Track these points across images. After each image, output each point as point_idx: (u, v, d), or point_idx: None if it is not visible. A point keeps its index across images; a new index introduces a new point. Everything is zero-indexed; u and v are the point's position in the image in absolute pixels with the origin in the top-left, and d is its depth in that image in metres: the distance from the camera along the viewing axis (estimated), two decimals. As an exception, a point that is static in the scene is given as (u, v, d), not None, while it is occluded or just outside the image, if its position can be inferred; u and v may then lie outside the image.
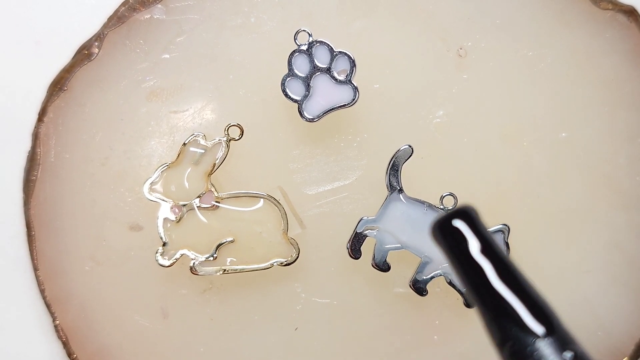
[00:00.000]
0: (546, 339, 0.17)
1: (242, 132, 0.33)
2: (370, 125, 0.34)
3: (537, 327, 0.18)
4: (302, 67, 0.32)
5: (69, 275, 0.34)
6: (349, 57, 0.32)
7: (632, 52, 0.35)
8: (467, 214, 0.20)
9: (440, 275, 0.32)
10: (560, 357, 0.17)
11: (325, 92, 0.32)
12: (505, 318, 0.18)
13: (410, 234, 0.32)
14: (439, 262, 0.32)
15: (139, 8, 0.34)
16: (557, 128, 0.35)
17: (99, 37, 0.34)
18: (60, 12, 0.36)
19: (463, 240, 0.20)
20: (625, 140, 0.34)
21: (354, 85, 0.32)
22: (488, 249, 0.19)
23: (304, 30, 0.32)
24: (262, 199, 0.32)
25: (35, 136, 0.34)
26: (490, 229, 0.32)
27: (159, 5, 0.34)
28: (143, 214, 0.34)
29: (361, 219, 0.32)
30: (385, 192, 0.32)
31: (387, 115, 0.34)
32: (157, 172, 0.32)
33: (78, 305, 0.33)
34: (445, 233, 0.20)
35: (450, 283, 0.32)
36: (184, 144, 0.32)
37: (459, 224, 0.20)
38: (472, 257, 0.19)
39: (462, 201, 0.32)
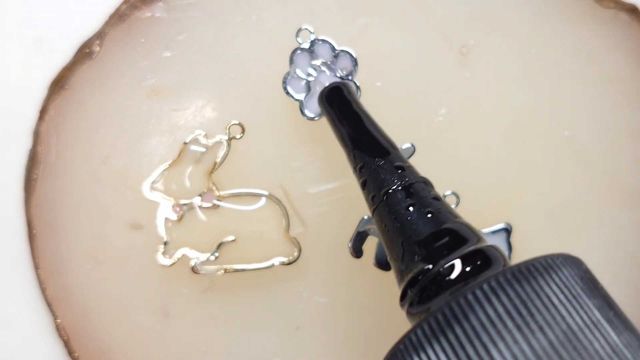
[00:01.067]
0: (383, 160, 0.26)
1: (244, 131, 0.33)
2: (372, 124, 0.34)
3: (379, 154, 0.26)
4: (303, 65, 0.32)
5: (70, 274, 0.34)
6: (351, 55, 0.32)
7: (635, 51, 0.35)
8: (342, 86, 0.30)
9: None
10: (395, 172, 0.25)
11: (327, 91, 0.32)
12: (361, 149, 0.27)
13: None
14: None
15: (140, 6, 0.34)
16: (560, 126, 0.34)
17: (100, 35, 0.34)
18: (61, 10, 0.36)
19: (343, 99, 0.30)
20: (629, 138, 0.34)
21: (355, 84, 0.32)
22: (358, 104, 0.29)
23: (305, 29, 0.32)
24: (263, 198, 0.32)
25: (36, 134, 0.34)
26: (492, 228, 0.32)
27: (160, 4, 0.34)
28: (144, 213, 0.34)
29: (363, 218, 0.32)
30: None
31: (389, 113, 0.34)
32: (157, 170, 0.32)
33: (79, 304, 0.33)
34: (330, 96, 0.30)
35: None
36: (185, 142, 0.32)
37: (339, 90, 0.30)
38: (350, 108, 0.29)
39: (465, 200, 0.32)
